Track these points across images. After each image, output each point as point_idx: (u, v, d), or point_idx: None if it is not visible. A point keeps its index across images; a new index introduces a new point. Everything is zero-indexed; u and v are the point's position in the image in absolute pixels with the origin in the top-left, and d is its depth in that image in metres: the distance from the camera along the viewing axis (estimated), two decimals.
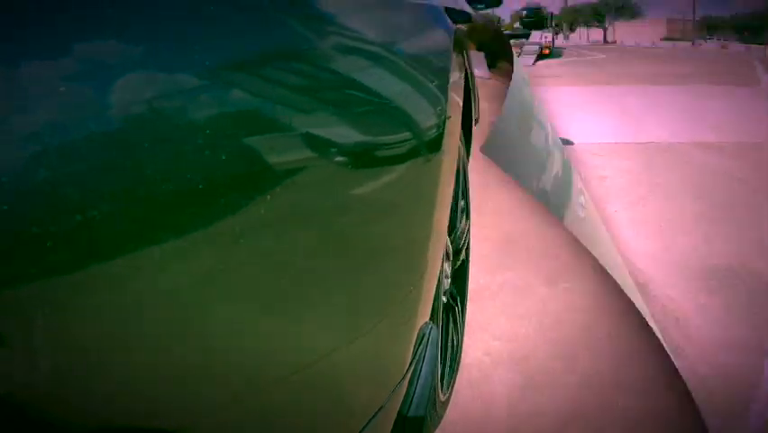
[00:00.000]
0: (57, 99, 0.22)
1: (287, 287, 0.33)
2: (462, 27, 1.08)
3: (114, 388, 0.25)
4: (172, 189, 0.25)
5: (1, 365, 0.21)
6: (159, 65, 0.26)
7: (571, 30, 48.25)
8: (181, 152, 0.25)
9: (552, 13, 19.63)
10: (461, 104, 0.77)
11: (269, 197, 0.30)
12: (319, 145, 0.34)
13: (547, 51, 13.26)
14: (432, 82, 0.56)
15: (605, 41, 44.51)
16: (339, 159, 0.36)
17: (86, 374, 0.24)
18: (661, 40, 43.33)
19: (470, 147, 1.37)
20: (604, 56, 15.63)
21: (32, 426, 0.22)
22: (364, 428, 0.43)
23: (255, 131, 0.30)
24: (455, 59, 0.73)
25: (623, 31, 47.55)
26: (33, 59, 0.21)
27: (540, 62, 11.86)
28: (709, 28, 47.94)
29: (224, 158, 0.27)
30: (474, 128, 1.43)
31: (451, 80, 0.63)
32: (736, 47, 24.11)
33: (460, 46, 0.84)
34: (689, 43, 35.13)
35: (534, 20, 16.63)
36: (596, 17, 47.17)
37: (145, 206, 0.24)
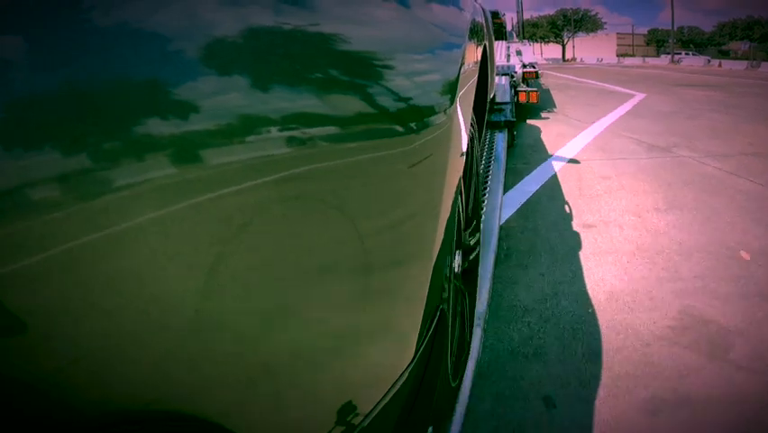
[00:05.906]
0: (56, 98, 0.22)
1: (298, 272, 0.34)
2: (481, 8, 1.11)
3: (135, 376, 0.26)
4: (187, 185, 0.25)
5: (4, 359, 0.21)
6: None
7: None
8: (189, 149, 0.26)
9: (522, 20, 15.80)
10: (475, 89, 0.81)
11: (283, 187, 0.31)
12: (322, 131, 0.34)
13: (533, 97, 5.16)
14: (443, 66, 0.56)
15: (564, 58, 43.90)
16: (342, 144, 0.36)
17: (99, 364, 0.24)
18: (617, 56, 43.94)
19: (482, 133, 1.38)
20: (644, 95, 7.88)
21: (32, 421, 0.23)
22: (374, 409, 0.45)
23: (256, 122, 0.29)
24: (470, 44, 0.75)
25: (578, 46, 48.69)
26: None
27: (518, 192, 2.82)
28: (658, 42, 49.84)
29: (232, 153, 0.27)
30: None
31: (464, 64, 0.64)
32: (731, 64, 20.78)
33: (477, 31, 0.93)
34: (660, 59, 33.62)
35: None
36: (553, 31, 47.52)
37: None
